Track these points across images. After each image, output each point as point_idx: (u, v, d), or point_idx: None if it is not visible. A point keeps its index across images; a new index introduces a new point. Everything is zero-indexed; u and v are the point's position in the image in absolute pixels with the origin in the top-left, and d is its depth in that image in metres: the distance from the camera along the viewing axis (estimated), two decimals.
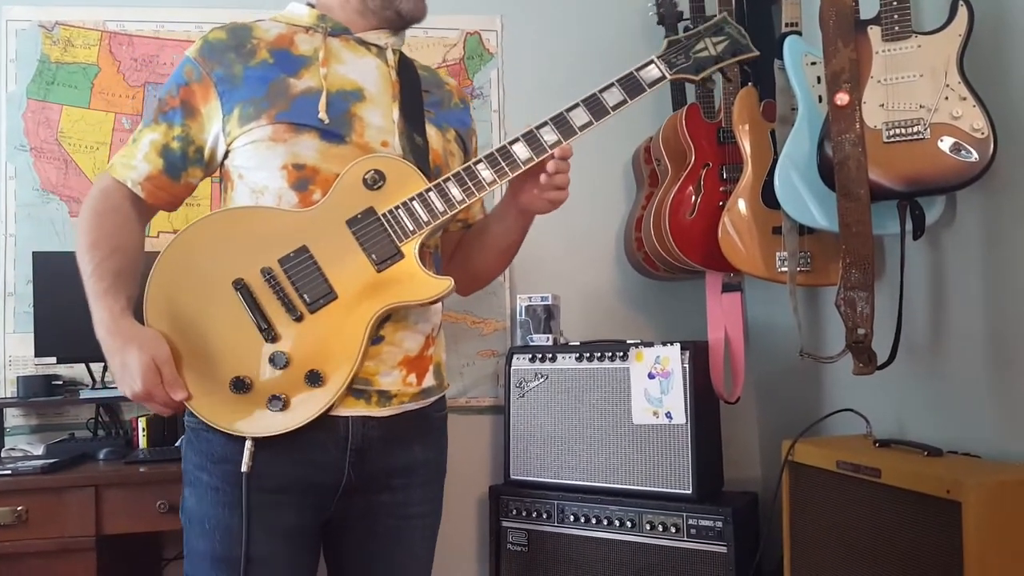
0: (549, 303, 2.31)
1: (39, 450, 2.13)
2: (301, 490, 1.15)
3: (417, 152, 1.22)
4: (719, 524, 1.94)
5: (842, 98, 1.50)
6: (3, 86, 2.36)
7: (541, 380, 2.22)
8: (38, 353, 2.16)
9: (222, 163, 1.23)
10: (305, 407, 1.10)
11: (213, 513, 1.10)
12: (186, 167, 1.23)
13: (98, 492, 1.89)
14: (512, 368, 2.26)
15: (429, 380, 1.25)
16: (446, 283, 1.16)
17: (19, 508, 1.85)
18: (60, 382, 2.21)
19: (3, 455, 2.12)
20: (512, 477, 2.22)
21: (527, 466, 2.21)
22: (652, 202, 2.26)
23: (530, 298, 2.33)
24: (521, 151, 1.19)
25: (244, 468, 1.08)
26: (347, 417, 1.15)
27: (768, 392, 2.43)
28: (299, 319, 1.11)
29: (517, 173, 1.19)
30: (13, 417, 2.27)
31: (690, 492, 1.98)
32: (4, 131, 2.35)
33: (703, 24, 1.28)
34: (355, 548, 1.24)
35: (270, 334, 1.11)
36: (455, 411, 2.45)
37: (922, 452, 1.58)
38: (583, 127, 1.20)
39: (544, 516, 2.15)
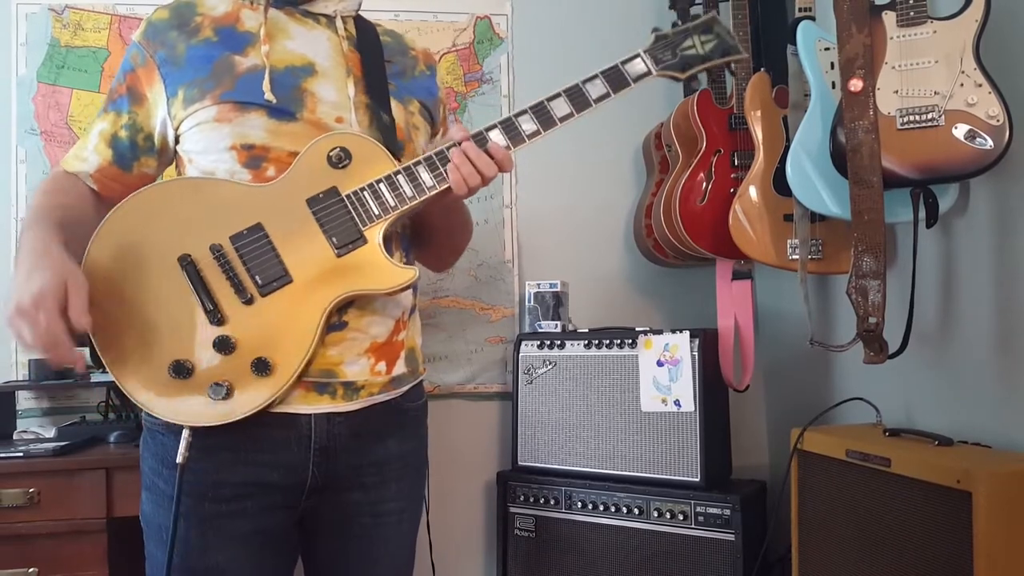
0: (558, 290, 2.30)
1: (51, 432, 2.15)
2: (263, 494, 1.07)
3: (384, 130, 1.15)
4: (727, 512, 1.94)
5: (856, 84, 1.48)
6: (13, 70, 2.36)
7: (549, 367, 2.22)
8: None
9: (175, 150, 1.17)
10: (249, 397, 1.03)
11: (169, 523, 1.02)
12: (137, 156, 1.17)
13: (109, 474, 1.90)
14: (520, 355, 2.26)
15: (400, 367, 1.17)
16: (409, 273, 1.09)
17: (31, 490, 1.87)
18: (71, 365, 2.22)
19: (15, 437, 2.14)
20: (520, 463, 2.22)
21: (535, 452, 2.21)
22: (662, 189, 2.24)
23: (538, 284, 2.33)
24: (498, 138, 1.14)
25: (179, 459, 1.01)
26: (310, 415, 1.08)
27: (777, 380, 2.42)
28: (249, 302, 1.04)
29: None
30: (25, 400, 2.29)
31: (698, 480, 1.98)
32: (15, 115, 2.35)
33: (691, 22, 1.25)
34: (329, 549, 1.17)
35: (216, 316, 1.03)
36: (463, 397, 2.49)
37: (932, 442, 1.57)
38: (563, 118, 1.15)
39: (552, 502, 2.15)
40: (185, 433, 1.02)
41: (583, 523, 2.10)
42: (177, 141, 1.16)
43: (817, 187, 1.69)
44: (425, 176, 1.11)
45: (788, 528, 1.85)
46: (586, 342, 2.17)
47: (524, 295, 2.39)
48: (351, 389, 1.11)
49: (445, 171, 1.11)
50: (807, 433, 1.83)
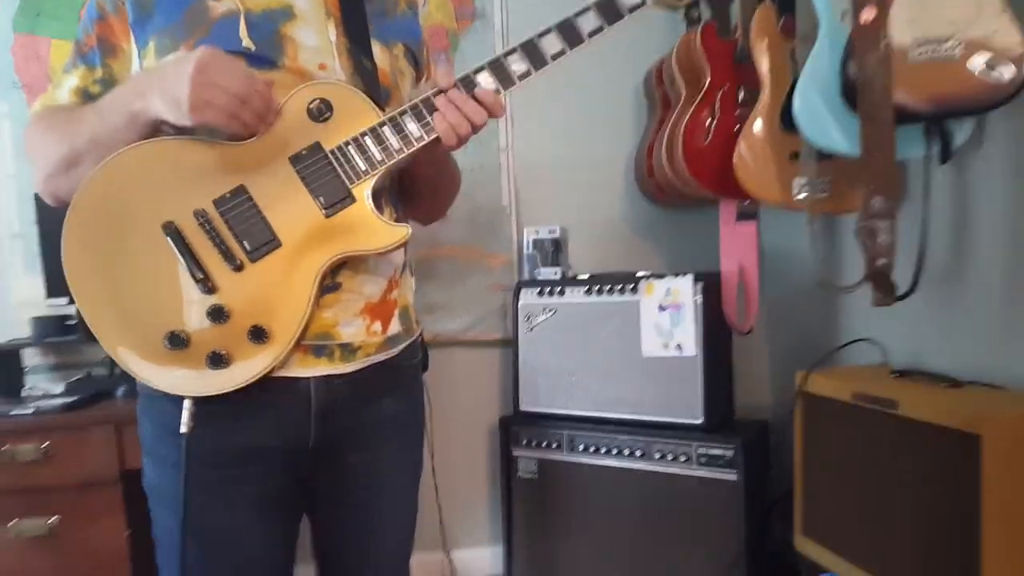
0: (557, 236, 2.26)
1: (59, 388, 2.16)
2: (265, 459, 1.06)
3: (366, 76, 1.09)
4: (729, 452, 1.94)
5: (868, 14, 1.40)
6: None
7: (550, 314, 2.19)
8: (50, 294, 2.13)
9: None
10: (249, 365, 1.00)
11: (175, 489, 1.00)
12: None
13: (118, 429, 1.92)
14: (520, 303, 2.23)
15: (395, 326, 1.15)
16: (402, 231, 1.04)
17: (43, 445, 1.89)
18: (74, 321, 2.19)
19: (24, 394, 2.15)
20: (522, 409, 2.21)
21: (537, 398, 2.20)
22: (664, 128, 2.17)
23: (537, 231, 2.28)
24: (487, 81, 1.06)
25: (184, 429, 0.98)
26: (309, 378, 1.06)
27: (782, 321, 2.39)
28: (239, 268, 1.00)
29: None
30: (31, 357, 2.27)
31: (700, 422, 1.97)
32: None
33: None
34: (331, 508, 1.17)
35: (206, 285, 0.99)
36: (463, 345, 2.47)
37: (941, 384, 1.54)
38: (556, 56, 1.08)
39: (554, 445, 2.15)
40: (187, 403, 0.99)
41: (586, 465, 2.11)
42: None
43: (826, 123, 1.62)
44: (412, 126, 1.05)
45: (791, 470, 1.85)
46: (587, 288, 2.13)
47: (523, 242, 2.34)
48: (348, 351, 1.08)
49: (432, 119, 1.05)
50: (812, 375, 1.81)
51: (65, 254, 0.99)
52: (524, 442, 2.19)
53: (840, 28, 1.56)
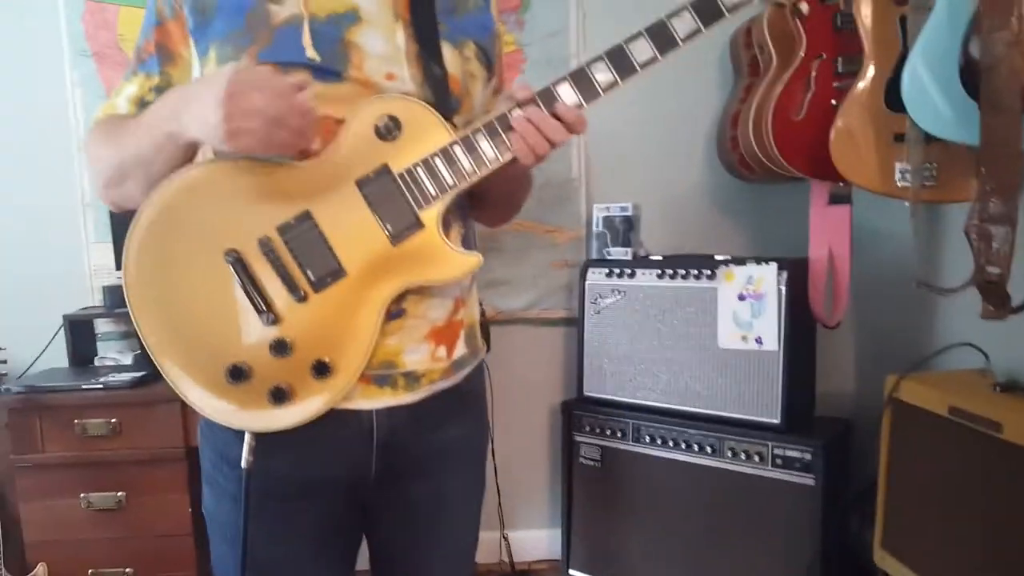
0: (629, 214, 2.12)
1: (128, 359, 2.21)
2: (326, 491, 1.04)
3: (436, 85, 1.01)
4: (808, 456, 1.82)
5: None
6: None
7: (618, 297, 2.07)
8: (119, 265, 2.14)
9: None
10: (312, 401, 0.97)
11: (233, 521, 0.99)
12: None
13: (184, 405, 1.91)
14: (587, 283, 2.12)
15: (460, 349, 1.09)
16: (472, 261, 0.99)
17: (112, 420, 1.95)
18: None
19: (96, 363, 2.21)
20: (585, 394, 2.13)
21: (601, 384, 2.11)
22: (752, 96, 1.98)
23: (608, 208, 2.15)
24: (568, 94, 0.97)
25: (244, 464, 0.96)
26: (371, 410, 1.01)
27: (872, 315, 2.21)
28: (303, 299, 0.96)
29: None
30: (103, 324, 2.32)
31: (778, 422, 1.85)
32: (65, 37, 2.26)
33: None
34: (392, 536, 1.14)
35: (269, 316, 0.95)
36: (526, 323, 2.39)
37: None
38: (646, 64, 0.98)
39: (618, 434, 2.07)
40: (247, 437, 0.97)
41: (651, 457, 2.02)
42: None
43: (939, 107, 1.44)
44: (485, 146, 0.97)
45: (873, 470, 1.72)
46: (659, 271, 2.01)
47: (592, 217, 2.21)
48: (412, 379, 1.03)
49: (508, 139, 0.97)
50: (904, 381, 1.66)
51: (126, 279, 0.96)
52: (587, 428, 2.12)
53: None
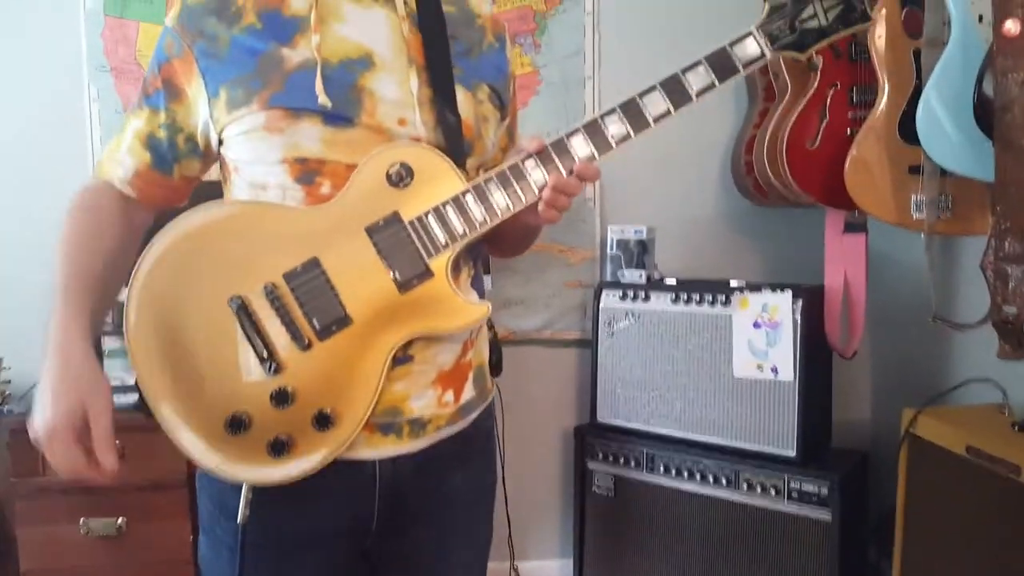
0: (643, 237, 2.11)
1: (132, 379, 2.18)
2: (327, 541, 1.02)
3: (449, 130, 1.00)
4: (824, 490, 1.79)
5: (1013, 27, 1.18)
6: (81, 4, 2.27)
7: (632, 320, 2.06)
8: (127, 282, 2.17)
9: (219, 152, 1.04)
10: (313, 453, 0.95)
11: (230, 574, 0.97)
12: (178, 159, 1.04)
13: None
14: (601, 305, 2.11)
15: (468, 392, 1.07)
16: (481, 311, 0.97)
17: (116, 443, 1.91)
18: None
19: None
20: (598, 420, 2.12)
21: (614, 409, 2.10)
22: (767, 121, 1.97)
23: (622, 230, 2.14)
24: (581, 147, 0.97)
25: (240, 519, 0.94)
26: (375, 460, 0.99)
27: (888, 345, 2.18)
28: (306, 348, 0.94)
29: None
30: (111, 342, 2.32)
31: (794, 455, 1.83)
32: (85, 52, 2.28)
33: None
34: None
35: (272, 365, 0.93)
36: (539, 343, 2.38)
37: None
38: (659, 118, 0.96)
39: (632, 463, 2.05)
40: (244, 490, 0.95)
41: (666, 487, 2.00)
42: (220, 143, 1.03)
43: (953, 142, 1.42)
44: (498, 196, 0.97)
45: (891, 510, 1.69)
46: (673, 295, 1.99)
47: (606, 238, 2.20)
48: (417, 426, 1.01)
49: (519, 188, 0.97)
50: (921, 416, 1.63)
51: (127, 325, 0.95)
52: (600, 455, 2.11)
53: (977, 35, 1.35)
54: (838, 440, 2.05)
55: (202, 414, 0.94)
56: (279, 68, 0.96)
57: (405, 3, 1.03)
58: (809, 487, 1.81)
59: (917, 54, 1.55)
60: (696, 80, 0.97)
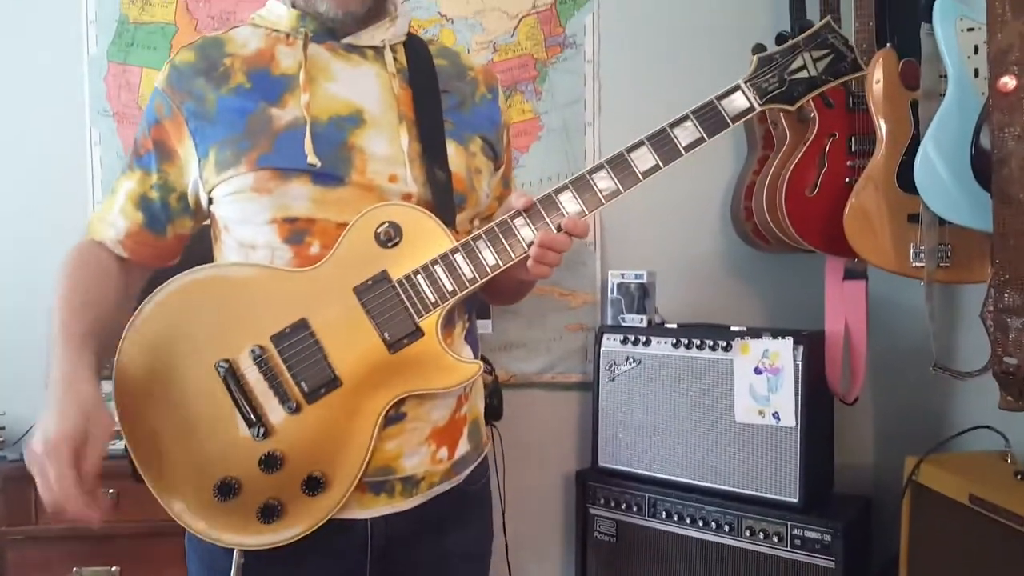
0: (644, 281, 2.12)
1: None
2: None
3: (438, 186, 1.00)
4: (827, 537, 1.78)
5: (1008, 83, 1.21)
6: (85, 49, 2.31)
7: (633, 365, 2.07)
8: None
9: (209, 210, 1.04)
10: (302, 518, 0.93)
11: None
12: (171, 219, 1.04)
13: None
14: (602, 349, 2.11)
15: (463, 447, 1.06)
16: (472, 369, 0.97)
17: (110, 490, 1.89)
18: None
19: None
20: (600, 464, 2.11)
21: (616, 454, 2.09)
22: (766, 168, 2.00)
23: (623, 275, 2.15)
24: (569, 203, 0.97)
25: None
26: (366, 520, 0.98)
27: (890, 391, 2.18)
28: (295, 411, 0.93)
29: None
30: (108, 385, 2.31)
31: (796, 501, 1.82)
32: (87, 96, 2.31)
33: (802, 34, 1.01)
34: None
35: (260, 430, 0.92)
36: (540, 387, 2.37)
37: None
38: (647, 173, 0.98)
39: (634, 508, 2.04)
40: (236, 555, 0.94)
41: (669, 533, 1.99)
42: (211, 202, 1.03)
43: (951, 193, 1.44)
44: (487, 254, 0.97)
45: (895, 556, 1.68)
46: (675, 340, 2.00)
47: (607, 282, 2.21)
48: (410, 483, 1.01)
49: (508, 246, 0.97)
50: (924, 464, 1.63)
51: (114, 389, 0.94)
52: (602, 501, 2.09)
53: (973, 89, 1.38)
54: (840, 485, 2.04)
55: (191, 479, 0.93)
56: (267, 128, 0.96)
57: (395, 59, 1.04)
58: (813, 534, 1.79)
59: (915, 105, 1.59)
60: (684, 135, 0.98)
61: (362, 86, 1.01)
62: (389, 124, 1.00)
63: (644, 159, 0.98)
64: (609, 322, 2.20)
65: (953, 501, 1.52)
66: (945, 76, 1.46)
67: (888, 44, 1.65)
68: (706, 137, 0.99)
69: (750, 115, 1.00)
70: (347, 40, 1.03)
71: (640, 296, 2.15)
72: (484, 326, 2.15)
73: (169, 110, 1.01)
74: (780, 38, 1.03)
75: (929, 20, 1.43)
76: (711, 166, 2.30)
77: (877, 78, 1.64)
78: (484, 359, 2.13)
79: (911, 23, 1.54)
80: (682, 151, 0.98)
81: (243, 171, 0.95)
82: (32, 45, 2.28)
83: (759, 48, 1.01)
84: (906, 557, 1.66)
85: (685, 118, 0.98)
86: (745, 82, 1.00)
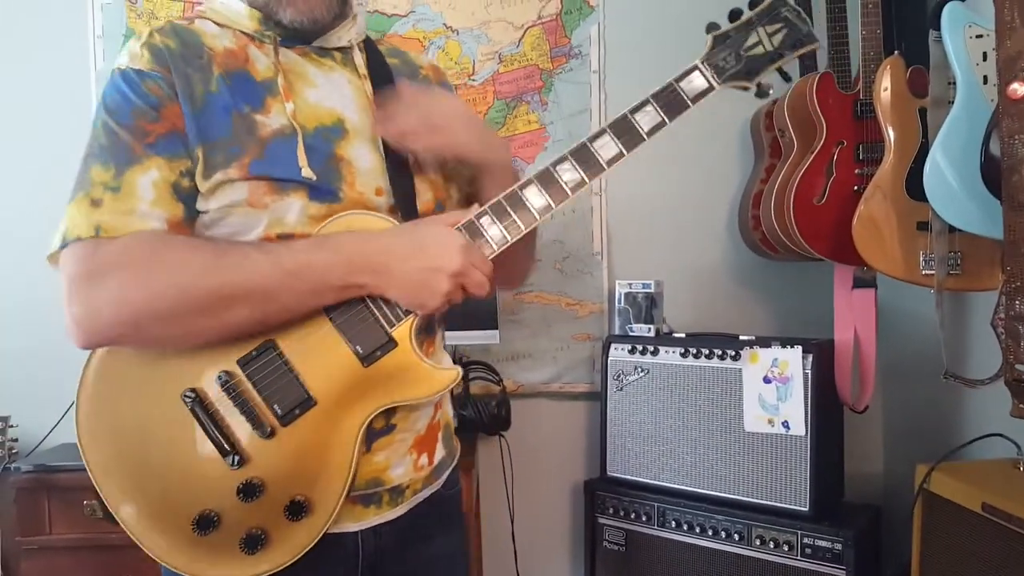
0: (651, 291, 2.12)
1: None
2: None
3: (405, 198, 0.97)
4: (838, 546, 1.77)
5: (1018, 89, 1.21)
6: (92, 63, 2.32)
7: (641, 374, 2.06)
8: None
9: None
10: (288, 545, 0.90)
11: None
12: (197, 212, 0.93)
13: None
14: (610, 359, 2.11)
15: (440, 452, 1.06)
16: (450, 375, 0.94)
17: None
18: None
19: None
20: (608, 474, 2.10)
21: (625, 463, 2.08)
22: (774, 177, 1.99)
23: (630, 284, 2.15)
24: (535, 198, 0.95)
25: None
26: (356, 532, 0.97)
27: (900, 399, 2.18)
28: (270, 435, 0.89)
29: (532, 227, 0.95)
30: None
31: (806, 510, 1.81)
32: (95, 111, 2.32)
33: (754, 9, 1.00)
34: None
35: (235, 458, 0.87)
36: (548, 397, 2.37)
37: None
38: (612, 160, 0.96)
39: (643, 518, 2.03)
40: None
41: (678, 542, 1.98)
42: (197, 213, 0.94)
43: (961, 200, 1.44)
44: None
45: (906, 565, 1.66)
46: (683, 350, 1.99)
47: (614, 292, 2.21)
48: (396, 493, 1.00)
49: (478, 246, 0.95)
50: (935, 472, 1.61)
51: (78, 433, 0.90)
52: (610, 510, 2.09)
53: (982, 96, 1.38)
54: (850, 493, 2.03)
55: (168, 516, 0.89)
56: (254, 133, 0.91)
57: (365, 63, 1.02)
58: (823, 543, 1.79)
59: (923, 112, 1.59)
60: (645, 120, 0.97)
61: (339, 92, 0.98)
62: (367, 130, 0.98)
63: (607, 148, 0.96)
64: (617, 332, 2.20)
65: (965, 510, 1.51)
66: (954, 83, 1.46)
67: (896, 51, 1.66)
68: (667, 121, 0.97)
69: (709, 94, 0.99)
70: (317, 43, 0.99)
71: (648, 306, 2.14)
72: (491, 336, 2.15)
73: (170, 91, 0.89)
74: (734, 14, 1.01)
75: (937, 27, 1.43)
76: (718, 175, 2.30)
77: (885, 86, 1.64)
78: (491, 368, 2.17)
79: (919, 30, 1.55)
80: (645, 136, 0.97)
81: (234, 177, 0.89)
82: (40, 60, 2.30)
83: (713, 27, 1.00)
84: (918, 566, 1.64)
85: (645, 103, 0.97)
86: (702, 62, 0.99)
